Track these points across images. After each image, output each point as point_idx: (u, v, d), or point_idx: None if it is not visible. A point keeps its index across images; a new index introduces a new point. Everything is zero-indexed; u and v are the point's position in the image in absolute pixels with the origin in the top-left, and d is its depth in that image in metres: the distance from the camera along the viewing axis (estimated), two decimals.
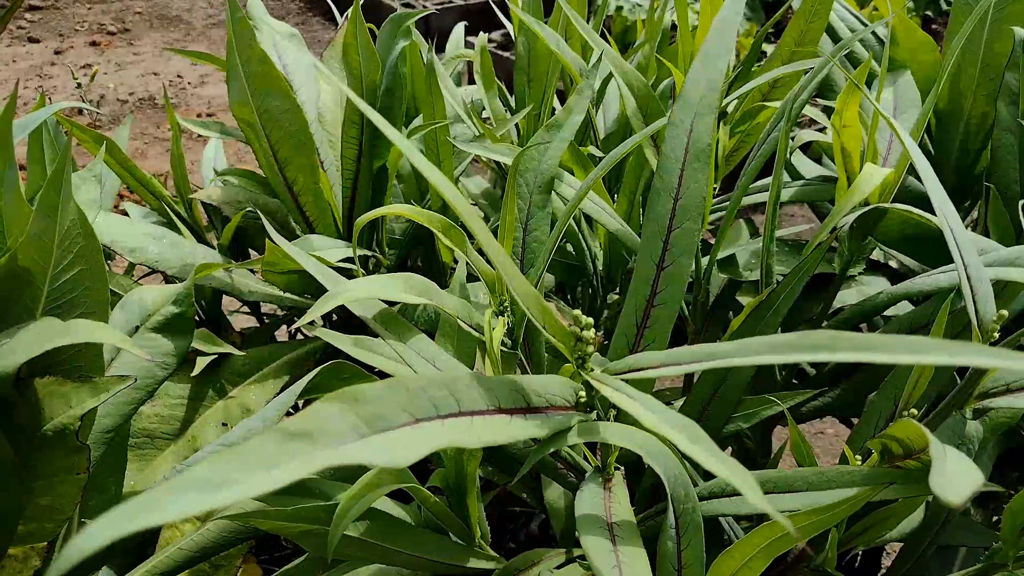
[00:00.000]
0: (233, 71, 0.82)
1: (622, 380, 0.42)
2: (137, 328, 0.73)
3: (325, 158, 0.98)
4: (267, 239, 0.71)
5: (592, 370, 0.44)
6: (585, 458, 0.62)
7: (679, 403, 0.66)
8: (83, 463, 0.52)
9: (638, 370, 0.42)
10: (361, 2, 0.84)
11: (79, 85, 1.16)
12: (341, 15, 1.16)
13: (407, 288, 0.57)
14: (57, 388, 0.51)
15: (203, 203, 1.06)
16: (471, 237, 0.59)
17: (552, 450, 0.46)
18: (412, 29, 0.85)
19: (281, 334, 1.21)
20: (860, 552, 0.87)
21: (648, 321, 0.51)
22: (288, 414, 0.85)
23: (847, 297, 0.83)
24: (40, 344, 0.46)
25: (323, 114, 1.03)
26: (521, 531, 1.22)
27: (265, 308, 1.21)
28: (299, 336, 1.18)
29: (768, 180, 0.95)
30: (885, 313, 0.79)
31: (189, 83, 3.44)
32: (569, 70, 0.88)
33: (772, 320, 0.60)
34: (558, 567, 0.71)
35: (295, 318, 1.15)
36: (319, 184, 0.88)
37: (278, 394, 0.95)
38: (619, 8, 2.90)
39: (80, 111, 3.19)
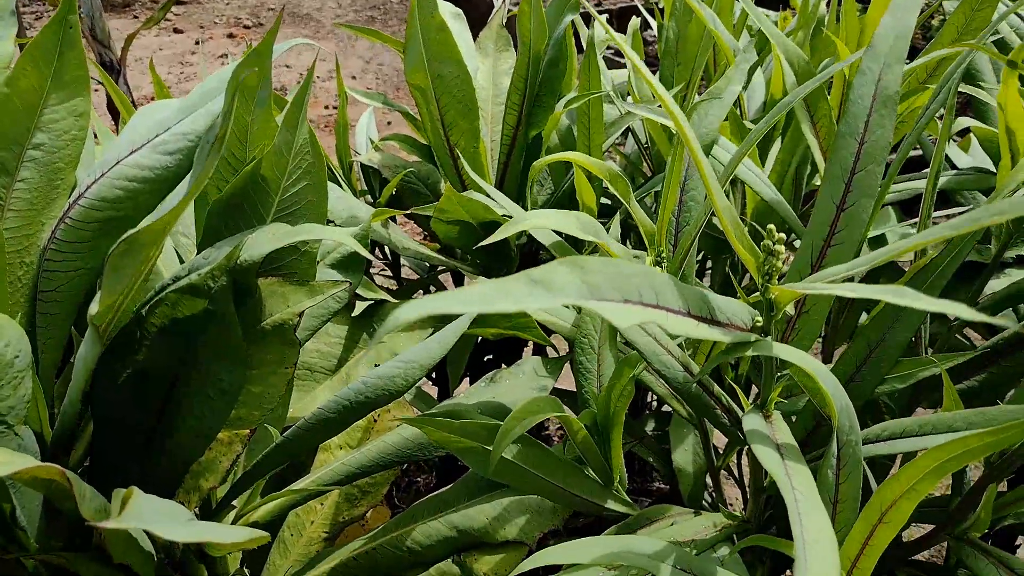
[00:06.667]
0: (412, 39, 0.89)
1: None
2: (317, 263, 0.80)
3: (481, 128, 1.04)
4: (446, 187, 0.77)
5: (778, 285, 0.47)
6: (739, 405, 0.65)
7: (831, 365, 0.68)
8: (293, 357, 0.59)
9: (822, 280, 0.45)
10: None
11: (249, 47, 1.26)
12: None
13: (580, 225, 0.62)
14: (277, 288, 0.58)
15: (362, 167, 1.14)
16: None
17: (733, 358, 0.49)
18: (581, 4, 0.90)
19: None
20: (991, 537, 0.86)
21: (824, 260, 0.54)
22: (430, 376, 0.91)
23: (996, 286, 0.82)
24: (277, 240, 0.53)
25: (478, 90, 1.10)
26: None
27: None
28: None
29: (910, 174, 0.95)
30: None
31: (318, 77, 3.62)
32: (723, 46, 0.90)
33: (936, 282, 0.62)
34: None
35: (431, 284, 1.22)
36: (478, 149, 0.94)
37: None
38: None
39: None
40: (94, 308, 0.48)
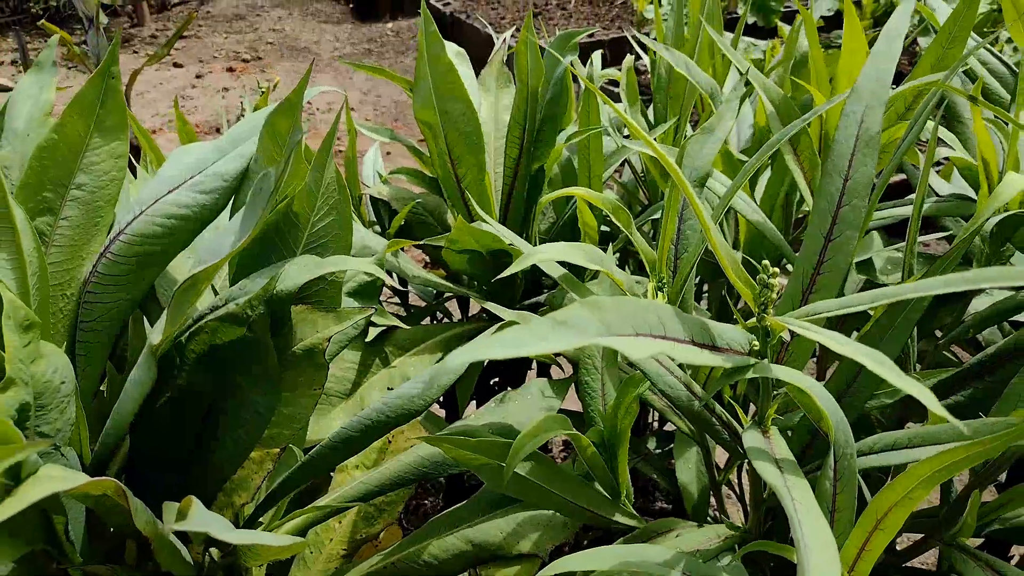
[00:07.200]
0: (421, 79, 0.94)
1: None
2: None
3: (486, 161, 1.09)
4: (458, 218, 0.81)
5: (772, 315, 0.51)
6: (739, 421, 0.69)
7: (824, 382, 0.72)
8: (321, 380, 0.63)
9: (815, 314, 0.50)
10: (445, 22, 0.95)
11: (264, 92, 1.31)
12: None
13: (586, 256, 0.66)
14: (308, 315, 0.62)
15: (370, 198, 1.19)
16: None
17: (734, 380, 0.53)
18: (578, 45, 0.96)
19: None
20: (985, 547, 0.90)
21: (814, 287, 0.59)
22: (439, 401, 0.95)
23: (979, 305, 0.87)
24: (310, 272, 0.58)
25: (482, 124, 1.15)
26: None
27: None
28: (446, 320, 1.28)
29: (895, 200, 1.00)
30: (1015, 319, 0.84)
31: (318, 109, 3.69)
32: (699, 88, 0.96)
33: (917, 305, 0.66)
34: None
35: (438, 311, 1.26)
36: (484, 182, 0.99)
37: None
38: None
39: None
40: (156, 337, 0.53)
